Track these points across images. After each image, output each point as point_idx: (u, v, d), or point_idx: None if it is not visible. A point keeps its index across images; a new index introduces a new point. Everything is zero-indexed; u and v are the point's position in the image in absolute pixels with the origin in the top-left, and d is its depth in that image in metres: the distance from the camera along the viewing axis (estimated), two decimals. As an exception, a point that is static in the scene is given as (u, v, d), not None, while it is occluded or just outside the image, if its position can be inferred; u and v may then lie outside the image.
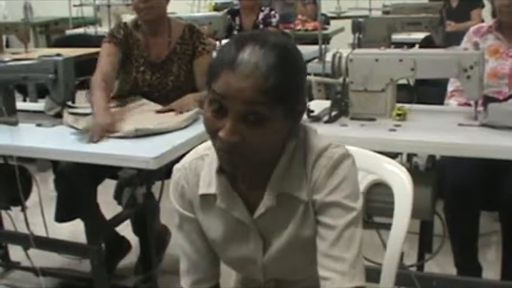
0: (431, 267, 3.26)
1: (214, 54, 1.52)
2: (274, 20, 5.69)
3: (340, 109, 2.91)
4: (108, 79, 3.27)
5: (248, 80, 1.33)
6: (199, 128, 2.83)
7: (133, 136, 2.77)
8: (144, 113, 3.18)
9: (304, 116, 2.73)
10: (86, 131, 2.81)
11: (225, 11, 5.74)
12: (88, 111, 3.16)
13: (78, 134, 2.85)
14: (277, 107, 1.36)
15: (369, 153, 1.87)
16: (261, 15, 5.71)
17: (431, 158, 2.86)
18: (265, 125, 1.36)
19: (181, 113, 3.08)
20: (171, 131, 2.87)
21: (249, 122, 1.35)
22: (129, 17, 5.78)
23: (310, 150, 1.49)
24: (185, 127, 2.92)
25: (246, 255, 1.60)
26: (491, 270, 3.22)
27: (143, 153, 2.54)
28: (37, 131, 3.00)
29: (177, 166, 1.63)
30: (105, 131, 2.83)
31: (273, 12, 5.75)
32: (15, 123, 3.16)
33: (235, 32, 5.61)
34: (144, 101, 3.32)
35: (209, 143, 1.59)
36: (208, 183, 1.55)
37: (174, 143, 2.64)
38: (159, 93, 3.41)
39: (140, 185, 2.96)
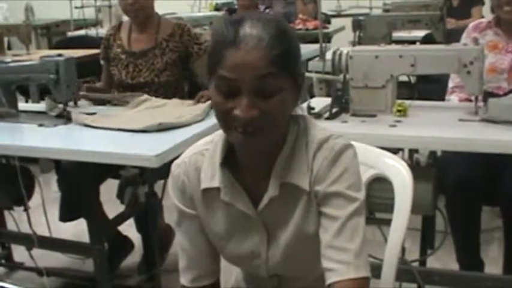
0: (433, 263, 3.28)
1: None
2: None
3: (341, 106, 2.91)
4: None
5: (255, 52, 1.35)
6: (202, 125, 2.86)
7: (155, 130, 2.79)
8: (155, 108, 3.18)
9: (305, 113, 2.76)
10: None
11: (224, 10, 5.75)
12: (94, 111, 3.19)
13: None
14: (285, 76, 1.39)
15: (369, 148, 1.88)
16: None
17: (432, 154, 2.87)
18: (278, 95, 1.39)
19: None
20: (189, 124, 2.91)
21: (263, 94, 1.37)
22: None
23: (311, 140, 1.50)
24: (201, 120, 2.95)
25: (250, 249, 1.60)
26: (493, 266, 3.22)
27: (145, 151, 2.54)
28: (39, 131, 3.00)
29: (176, 162, 1.63)
30: None
31: (267, 11, 5.77)
32: (15, 115, 3.18)
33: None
34: (146, 96, 3.33)
35: (208, 138, 1.61)
36: (211, 177, 1.55)
37: (176, 140, 2.64)
38: (149, 88, 3.46)
39: (142, 184, 2.97)
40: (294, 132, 1.51)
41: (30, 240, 3.17)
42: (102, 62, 3.69)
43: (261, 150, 1.47)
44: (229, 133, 1.44)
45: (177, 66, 3.47)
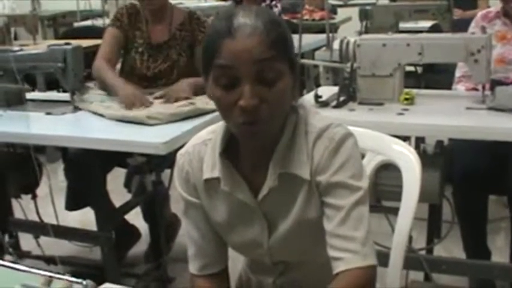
0: (440, 252, 3.28)
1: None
2: (276, 10, 5.67)
3: (348, 94, 2.91)
4: (111, 63, 3.35)
5: (252, 39, 1.36)
6: (209, 114, 2.85)
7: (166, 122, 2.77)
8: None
9: (312, 102, 2.76)
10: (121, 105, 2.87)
11: (230, 1, 5.73)
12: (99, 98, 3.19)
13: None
14: (283, 61, 1.40)
15: (377, 134, 1.88)
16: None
17: (439, 143, 2.87)
18: (279, 81, 1.39)
19: (176, 101, 3.01)
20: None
21: (263, 81, 1.37)
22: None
23: (310, 129, 1.50)
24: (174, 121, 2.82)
25: (252, 239, 1.61)
26: (500, 256, 3.23)
27: (153, 138, 2.55)
28: (47, 119, 3.01)
29: (180, 152, 1.63)
30: (138, 99, 2.91)
31: (274, 2, 5.75)
32: (29, 90, 3.23)
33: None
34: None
35: (211, 128, 1.62)
36: (212, 167, 1.55)
37: (183, 128, 2.65)
38: (166, 80, 3.40)
39: (150, 172, 2.98)
40: (292, 121, 1.51)
41: (40, 228, 3.18)
42: (111, 28, 3.46)
43: (263, 139, 1.47)
44: (232, 124, 1.44)
45: (190, 56, 3.43)
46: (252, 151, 1.53)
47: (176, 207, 3.60)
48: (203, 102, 2.87)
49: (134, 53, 3.43)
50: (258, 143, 1.48)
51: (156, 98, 3.14)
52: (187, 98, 2.99)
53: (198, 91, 3.03)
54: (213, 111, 2.65)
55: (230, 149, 1.55)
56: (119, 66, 3.54)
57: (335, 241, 1.44)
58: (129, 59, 3.46)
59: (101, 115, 2.92)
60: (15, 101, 3.23)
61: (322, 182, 1.47)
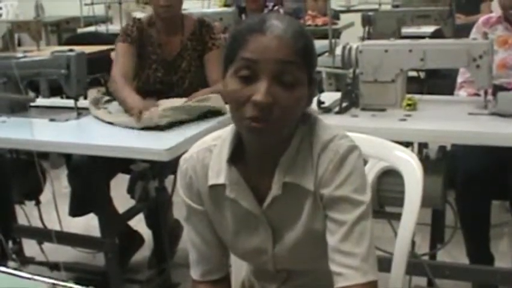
0: (443, 257, 3.28)
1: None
2: None
3: (351, 100, 2.92)
4: (128, 79, 3.28)
5: (281, 40, 1.39)
6: (212, 120, 2.86)
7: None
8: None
9: (315, 107, 2.77)
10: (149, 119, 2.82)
11: (234, 7, 5.75)
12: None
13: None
14: (304, 70, 1.42)
15: (379, 141, 1.88)
16: (265, 12, 5.72)
17: (442, 148, 2.87)
18: (296, 88, 1.41)
19: None
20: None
21: (282, 83, 1.39)
22: (140, 15, 5.79)
23: (316, 140, 1.50)
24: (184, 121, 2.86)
25: (256, 246, 1.61)
26: (503, 260, 3.23)
27: (156, 145, 2.56)
28: (50, 126, 3.02)
29: (184, 156, 1.63)
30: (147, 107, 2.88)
31: (276, 8, 5.77)
32: (33, 100, 3.24)
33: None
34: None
35: (216, 134, 1.62)
36: (217, 173, 1.55)
37: (186, 134, 2.65)
38: (177, 90, 3.38)
39: (153, 178, 2.98)
40: (300, 131, 1.52)
41: (43, 235, 3.19)
42: (122, 43, 3.38)
43: (269, 143, 1.48)
44: (240, 122, 1.44)
45: (199, 65, 3.42)
46: (259, 157, 1.53)
47: (179, 213, 3.60)
48: (217, 100, 2.89)
49: (148, 69, 3.41)
50: (263, 143, 1.48)
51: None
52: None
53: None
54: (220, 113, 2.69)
55: (237, 156, 1.55)
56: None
57: (337, 256, 1.45)
58: (143, 76, 3.43)
59: (110, 123, 2.93)
60: (19, 108, 3.24)
61: (325, 195, 1.47)
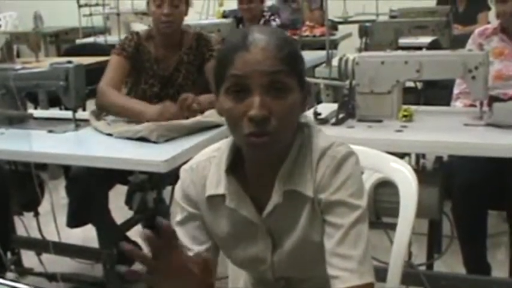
0: (440, 267, 3.28)
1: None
2: (274, 24, 5.70)
3: (347, 111, 2.93)
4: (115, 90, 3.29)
5: (265, 52, 1.42)
6: (209, 132, 2.87)
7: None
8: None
9: (312, 119, 2.78)
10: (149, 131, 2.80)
11: (231, 18, 5.76)
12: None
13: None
14: (294, 76, 1.45)
15: (374, 152, 1.90)
16: (261, 22, 5.74)
17: (438, 159, 2.89)
18: (288, 95, 1.44)
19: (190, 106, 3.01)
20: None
21: (273, 93, 1.42)
22: (138, 26, 5.80)
23: (314, 148, 1.52)
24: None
25: (255, 255, 1.62)
26: (500, 270, 3.22)
27: (153, 156, 2.57)
28: (49, 137, 3.02)
29: (184, 167, 1.65)
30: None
31: (272, 18, 5.78)
32: (30, 116, 3.25)
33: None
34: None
35: (216, 145, 1.64)
36: (216, 183, 1.57)
37: (184, 146, 2.66)
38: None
39: (151, 189, 2.99)
40: (298, 140, 1.54)
41: (42, 246, 3.20)
42: (116, 56, 3.36)
43: (269, 155, 1.49)
44: (240, 139, 1.47)
45: (195, 79, 3.43)
46: (259, 167, 1.55)
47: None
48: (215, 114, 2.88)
49: (144, 84, 3.40)
50: (265, 156, 1.50)
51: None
52: (202, 112, 2.98)
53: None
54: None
55: (235, 166, 1.57)
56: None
57: (333, 260, 1.46)
58: (138, 91, 3.42)
59: (109, 134, 2.94)
60: (18, 119, 3.25)
61: (323, 199, 1.49)
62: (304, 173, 1.51)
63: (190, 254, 1.64)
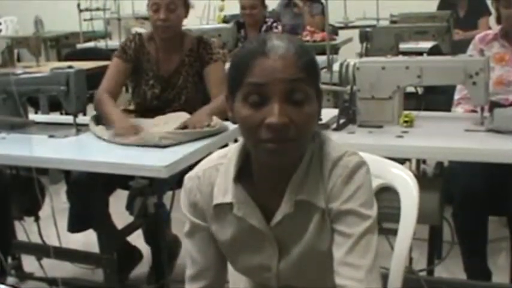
0: (441, 273, 3.28)
1: (228, 64, 1.58)
2: (276, 31, 5.71)
3: (348, 117, 2.93)
4: (113, 95, 3.32)
5: (284, 59, 1.41)
6: (210, 138, 2.87)
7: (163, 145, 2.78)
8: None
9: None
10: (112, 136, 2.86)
11: (232, 23, 5.77)
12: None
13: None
14: (312, 85, 1.44)
15: (375, 158, 1.89)
16: (263, 28, 5.75)
17: (439, 164, 2.89)
18: (307, 104, 1.42)
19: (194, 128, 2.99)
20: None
21: (292, 101, 1.40)
22: (139, 31, 5.80)
23: (326, 158, 1.52)
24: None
25: (261, 263, 1.61)
26: (501, 276, 3.22)
27: (155, 162, 2.57)
28: (50, 142, 3.02)
29: (189, 175, 1.64)
30: (131, 130, 2.91)
31: (275, 24, 5.79)
32: (32, 124, 3.25)
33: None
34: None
35: (222, 152, 1.63)
36: (224, 192, 1.56)
37: (185, 151, 2.66)
38: (174, 106, 3.40)
39: (151, 194, 2.99)
40: (310, 149, 1.52)
41: (42, 251, 3.19)
42: (117, 59, 3.43)
43: (285, 163, 1.48)
44: (257, 146, 1.45)
45: (197, 83, 3.45)
46: (269, 176, 1.54)
47: (177, 228, 3.60)
48: (217, 122, 2.90)
49: (144, 85, 3.43)
50: (280, 163, 1.49)
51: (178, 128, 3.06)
52: (208, 125, 2.96)
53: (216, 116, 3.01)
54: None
55: (243, 174, 1.56)
56: (122, 98, 3.54)
57: (342, 269, 1.46)
58: (140, 92, 3.46)
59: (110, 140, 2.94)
60: (19, 124, 3.25)
61: (333, 209, 1.49)
62: (315, 183, 1.51)
63: (198, 266, 1.65)
